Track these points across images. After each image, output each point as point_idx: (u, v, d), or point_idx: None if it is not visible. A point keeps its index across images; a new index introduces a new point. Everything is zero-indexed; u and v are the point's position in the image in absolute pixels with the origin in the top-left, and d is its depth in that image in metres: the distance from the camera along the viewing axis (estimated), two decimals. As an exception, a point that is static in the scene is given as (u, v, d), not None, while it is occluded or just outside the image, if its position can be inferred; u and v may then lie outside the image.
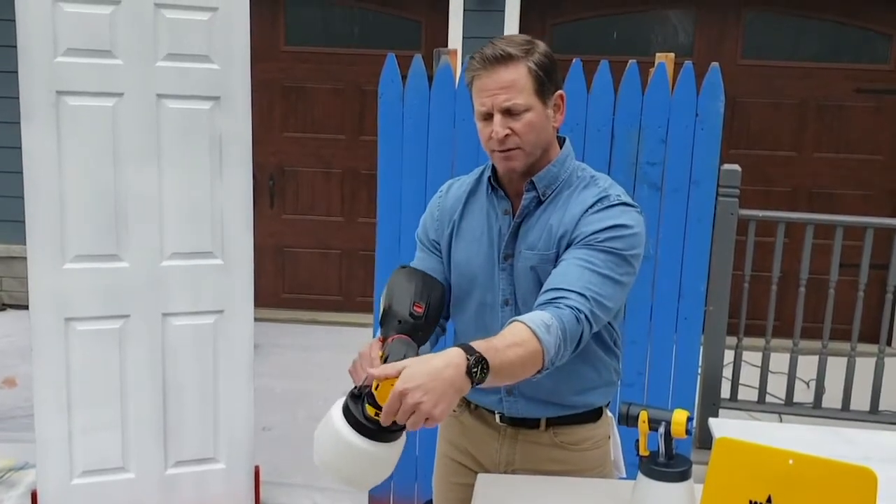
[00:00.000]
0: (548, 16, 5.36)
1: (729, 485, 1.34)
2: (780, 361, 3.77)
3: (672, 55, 2.86)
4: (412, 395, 1.25)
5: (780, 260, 3.56)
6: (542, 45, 1.59)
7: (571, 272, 1.52)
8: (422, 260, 1.77)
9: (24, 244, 2.62)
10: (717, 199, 2.96)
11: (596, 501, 1.62)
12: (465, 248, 1.66)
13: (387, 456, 1.37)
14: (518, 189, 1.65)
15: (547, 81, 1.57)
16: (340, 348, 4.98)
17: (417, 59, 2.83)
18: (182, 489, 2.89)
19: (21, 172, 2.56)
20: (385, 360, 1.42)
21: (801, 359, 3.62)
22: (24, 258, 2.66)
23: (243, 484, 2.96)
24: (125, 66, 2.59)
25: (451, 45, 5.11)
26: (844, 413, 3.58)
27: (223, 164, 2.75)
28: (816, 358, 3.61)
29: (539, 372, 1.45)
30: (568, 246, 1.57)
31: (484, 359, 1.33)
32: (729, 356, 3.58)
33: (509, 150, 1.57)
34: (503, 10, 5.16)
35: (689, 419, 1.44)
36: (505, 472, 1.74)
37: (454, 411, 1.76)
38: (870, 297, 3.98)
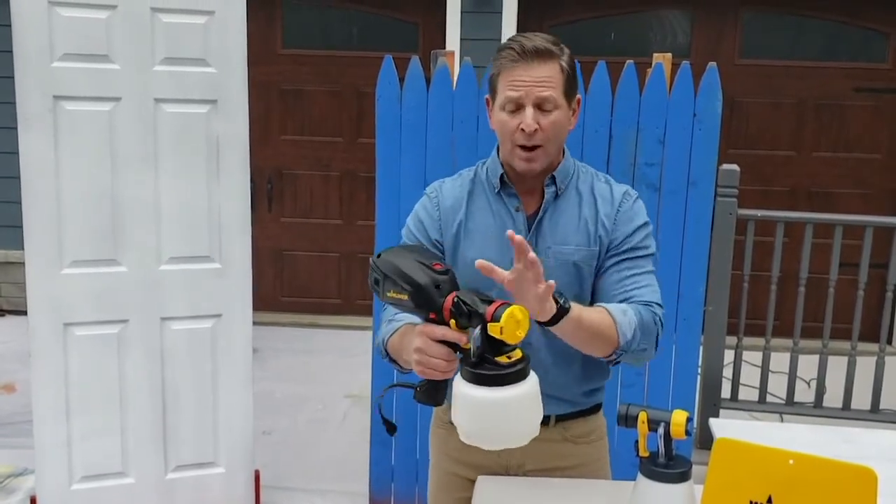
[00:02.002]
0: (545, 17, 5.35)
1: (729, 485, 1.34)
2: (780, 361, 3.76)
3: (669, 55, 2.86)
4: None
5: (780, 259, 3.55)
6: (566, 48, 1.62)
7: (633, 284, 1.62)
8: None
9: (22, 249, 2.62)
10: (715, 199, 2.95)
11: (595, 502, 1.62)
12: (477, 247, 1.65)
13: (537, 383, 1.40)
14: (528, 186, 1.67)
15: (573, 82, 1.61)
16: (340, 352, 4.98)
17: (415, 61, 2.82)
18: (181, 494, 2.88)
19: (18, 177, 2.56)
20: (458, 324, 1.38)
21: (802, 358, 3.61)
22: (23, 263, 2.66)
23: (243, 488, 2.96)
24: (122, 71, 2.59)
25: (448, 47, 5.11)
26: (845, 412, 3.58)
27: (220, 168, 2.75)
28: (817, 357, 3.61)
29: (616, 353, 1.54)
30: (609, 245, 1.64)
31: (567, 300, 1.44)
32: (729, 356, 3.58)
33: (534, 148, 1.58)
34: (500, 12, 5.15)
35: (689, 419, 1.44)
36: (516, 475, 1.74)
37: (451, 423, 1.75)
38: (870, 296, 3.98)
